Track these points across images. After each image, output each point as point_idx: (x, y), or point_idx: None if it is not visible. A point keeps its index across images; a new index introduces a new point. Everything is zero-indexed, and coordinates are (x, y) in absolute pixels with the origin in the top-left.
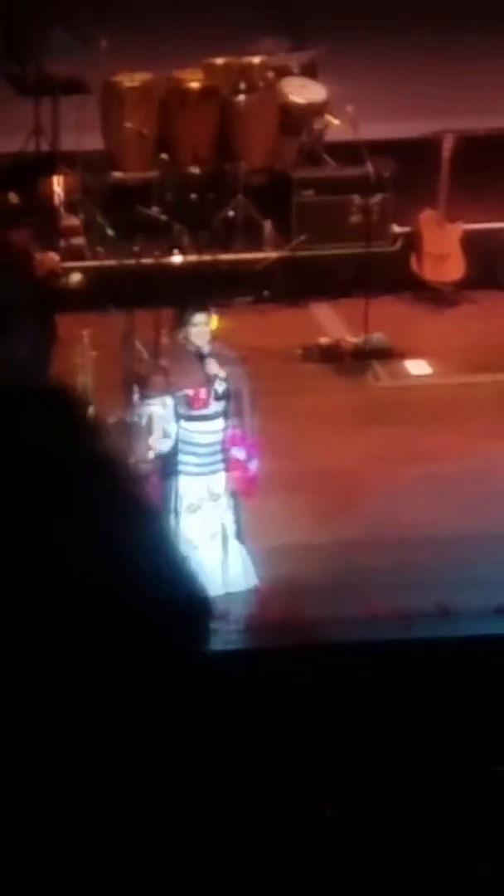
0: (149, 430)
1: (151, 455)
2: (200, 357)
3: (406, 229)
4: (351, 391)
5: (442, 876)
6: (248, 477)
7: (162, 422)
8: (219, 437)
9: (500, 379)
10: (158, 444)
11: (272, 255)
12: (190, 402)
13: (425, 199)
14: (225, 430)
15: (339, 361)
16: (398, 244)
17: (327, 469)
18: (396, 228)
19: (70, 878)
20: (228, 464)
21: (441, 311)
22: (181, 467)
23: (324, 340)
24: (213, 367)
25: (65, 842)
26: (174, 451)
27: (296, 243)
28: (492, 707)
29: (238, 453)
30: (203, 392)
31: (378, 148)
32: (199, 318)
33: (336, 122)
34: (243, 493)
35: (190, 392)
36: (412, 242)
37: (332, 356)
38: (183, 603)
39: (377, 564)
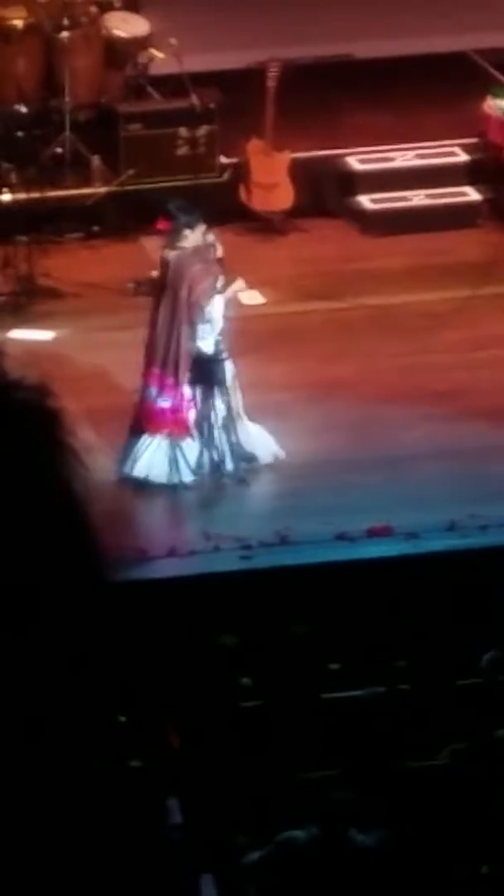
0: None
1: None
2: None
3: (234, 160)
4: None
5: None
6: None
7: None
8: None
9: (333, 306)
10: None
11: (101, 189)
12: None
13: (252, 129)
14: None
15: None
16: (226, 175)
17: None
18: (224, 159)
19: None
20: None
21: (271, 241)
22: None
23: (155, 273)
24: (220, 249)
25: None
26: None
27: (124, 178)
28: (328, 634)
29: None
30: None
31: (203, 79)
32: (193, 222)
33: (160, 54)
34: None
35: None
36: (240, 173)
37: None
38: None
39: (217, 495)
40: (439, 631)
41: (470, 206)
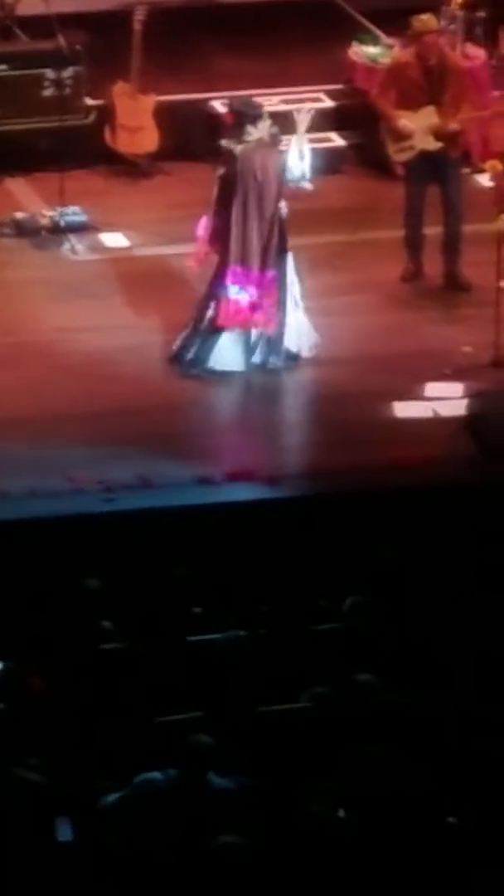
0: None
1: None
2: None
3: (99, 102)
4: (48, 266)
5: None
6: None
7: None
8: None
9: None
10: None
11: None
12: None
13: (118, 72)
14: None
15: (36, 236)
16: (91, 117)
17: (28, 343)
18: (90, 101)
19: None
20: None
21: (136, 184)
22: None
23: (19, 215)
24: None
25: None
26: None
27: None
28: (191, 578)
29: None
30: None
31: (70, 21)
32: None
33: None
34: None
35: None
36: (106, 115)
37: (28, 231)
38: None
39: (81, 437)
40: (300, 575)
41: (335, 152)
